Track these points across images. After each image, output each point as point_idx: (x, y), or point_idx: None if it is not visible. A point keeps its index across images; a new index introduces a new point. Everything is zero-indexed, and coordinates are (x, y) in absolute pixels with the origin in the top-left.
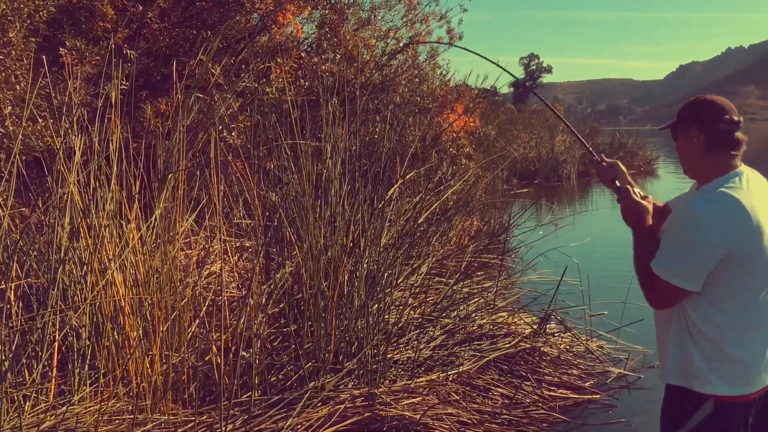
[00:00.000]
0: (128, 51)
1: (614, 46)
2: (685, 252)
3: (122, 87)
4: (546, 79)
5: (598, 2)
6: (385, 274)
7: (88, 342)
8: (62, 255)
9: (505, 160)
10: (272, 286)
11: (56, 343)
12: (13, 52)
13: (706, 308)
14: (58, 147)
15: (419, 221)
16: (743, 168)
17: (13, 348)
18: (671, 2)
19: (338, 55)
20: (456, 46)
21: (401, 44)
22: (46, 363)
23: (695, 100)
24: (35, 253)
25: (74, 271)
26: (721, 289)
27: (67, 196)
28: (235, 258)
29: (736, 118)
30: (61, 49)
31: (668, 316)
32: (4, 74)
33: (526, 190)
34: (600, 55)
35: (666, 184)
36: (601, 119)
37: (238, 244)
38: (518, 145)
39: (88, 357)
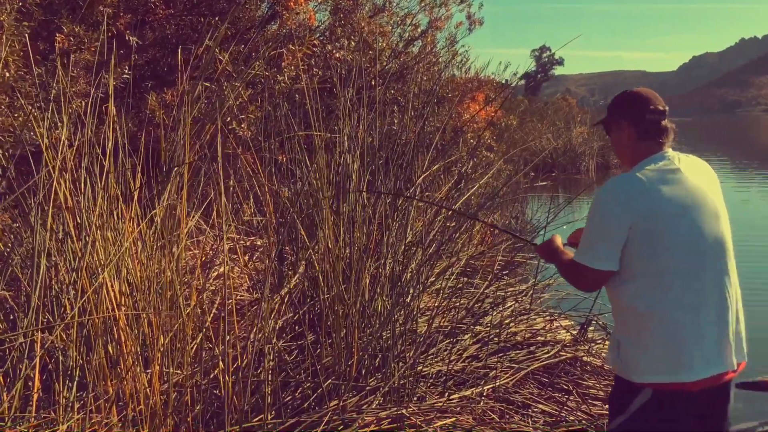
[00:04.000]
0: (131, 38)
1: (626, 38)
2: (592, 233)
3: (125, 76)
4: (558, 71)
5: None
6: (412, 278)
7: (76, 355)
8: (43, 260)
9: (528, 152)
10: (286, 291)
11: (37, 361)
12: (4, 37)
13: (632, 292)
14: (44, 139)
15: (449, 215)
16: (671, 152)
17: None
18: None
19: (353, 43)
20: None
21: (419, 30)
22: (28, 384)
23: (622, 94)
24: (19, 257)
25: (65, 278)
26: (641, 271)
27: (52, 193)
28: (245, 258)
29: (661, 108)
30: (57, 35)
31: (615, 306)
32: None
33: (545, 183)
34: (612, 47)
35: None
36: None
37: (248, 243)
38: (535, 137)
39: (77, 376)
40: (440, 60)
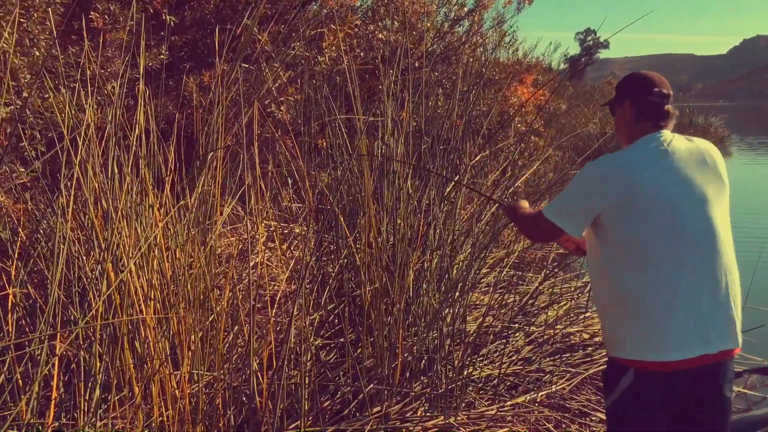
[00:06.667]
0: (167, 17)
1: (674, 20)
2: (565, 194)
3: (161, 57)
4: (603, 54)
5: None
6: (461, 273)
7: (101, 352)
8: (64, 250)
9: (575, 138)
10: (325, 285)
11: (56, 362)
12: (35, 14)
13: (615, 269)
14: (65, 123)
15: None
16: (667, 134)
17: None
18: None
19: (396, 23)
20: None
21: (465, 9)
22: (50, 384)
23: (629, 75)
24: (45, 249)
25: (92, 269)
26: (623, 249)
27: (74, 179)
28: (284, 246)
29: (665, 92)
30: (92, 13)
31: (596, 282)
32: (16, 36)
33: None
34: (659, 30)
35: (738, 162)
36: None
37: (287, 231)
38: (583, 122)
39: (100, 378)
40: (487, 41)
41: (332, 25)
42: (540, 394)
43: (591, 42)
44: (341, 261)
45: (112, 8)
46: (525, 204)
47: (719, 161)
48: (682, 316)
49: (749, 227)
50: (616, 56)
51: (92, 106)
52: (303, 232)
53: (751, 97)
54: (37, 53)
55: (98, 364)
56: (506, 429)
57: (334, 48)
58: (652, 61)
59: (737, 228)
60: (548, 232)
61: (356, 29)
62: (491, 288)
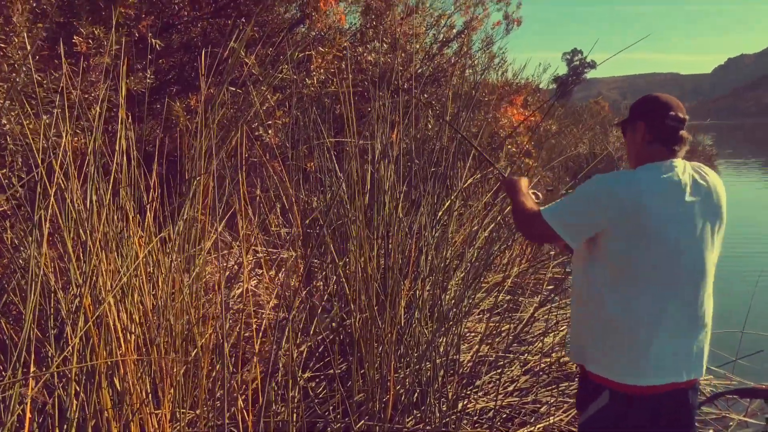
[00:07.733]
0: (153, 40)
1: (659, 40)
2: (569, 200)
3: (147, 81)
4: (590, 74)
5: None
6: (455, 301)
7: (77, 389)
8: (38, 285)
9: (568, 159)
10: (314, 314)
11: (28, 404)
12: (16, 39)
13: (607, 288)
14: (40, 151)
15: (491, 227)
16: (679, 163)
17: None
18: None
19: (385, 45)
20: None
21: (454, 31)
22: (17, 426)
23: (645, 96)
24: (22, 282)
25: (67, 305)
26: (619, 272)
27: (49, 208)
28: (272, 273)
29: (681, 116)
30: (75, 37)
31: (580, 295)
32: None
33: None
34: (644, 49)
35: (727, 180)
36: None
37: (275, 257)
38: (572, 142)
39: (76, 418)
40: (476, 62)
41: (320, 48)
42: (537, 426)
43: (578, 62)
44: (330, 289)
45: (96, 32)
46: (525, 184)
47: (723, 200)
48: (662, 344)
49: (747, 251)
50: (603, 76)
51: (68, 132)
52: (291, 258)
53: (734, 116)
54: (17, 79)
55: (74, 403)
56: None
57: (322, 70)
58: (639, 81)
59: (735, 252)
60: (544, 236)
61: (344, 51)
62: (485, 315)
